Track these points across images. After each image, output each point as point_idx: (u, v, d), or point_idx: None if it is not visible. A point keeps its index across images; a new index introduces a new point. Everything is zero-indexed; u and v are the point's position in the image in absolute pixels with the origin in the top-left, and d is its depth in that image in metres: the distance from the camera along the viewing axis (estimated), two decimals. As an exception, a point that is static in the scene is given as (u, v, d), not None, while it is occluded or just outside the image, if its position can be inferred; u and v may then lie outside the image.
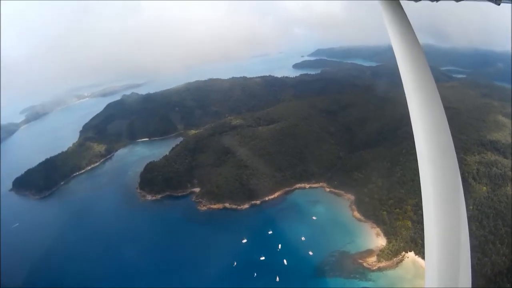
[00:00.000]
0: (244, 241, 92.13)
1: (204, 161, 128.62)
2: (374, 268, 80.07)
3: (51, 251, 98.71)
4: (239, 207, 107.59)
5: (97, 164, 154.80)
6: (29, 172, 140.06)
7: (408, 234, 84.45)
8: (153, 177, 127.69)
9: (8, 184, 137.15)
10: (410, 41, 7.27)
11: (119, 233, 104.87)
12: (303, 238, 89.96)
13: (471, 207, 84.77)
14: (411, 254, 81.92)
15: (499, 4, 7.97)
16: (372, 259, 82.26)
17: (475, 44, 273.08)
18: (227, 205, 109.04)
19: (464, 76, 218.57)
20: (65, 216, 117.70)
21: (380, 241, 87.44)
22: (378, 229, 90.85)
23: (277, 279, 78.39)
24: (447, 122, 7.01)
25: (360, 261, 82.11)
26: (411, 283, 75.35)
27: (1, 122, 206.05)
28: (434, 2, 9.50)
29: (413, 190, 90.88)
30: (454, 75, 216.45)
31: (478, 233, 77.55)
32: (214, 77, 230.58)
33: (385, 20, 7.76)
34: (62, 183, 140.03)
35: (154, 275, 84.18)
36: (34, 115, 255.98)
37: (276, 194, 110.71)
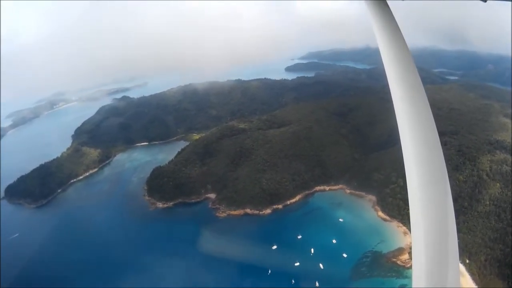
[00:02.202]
0: (274, 247, 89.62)
1: (216, 165, 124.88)
2: (409, 265, 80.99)
3: (53, 266, 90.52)
4: (261, 213, 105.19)
5: (96, 170, 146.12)
6: (22, 179, 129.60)
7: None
8: (162, 183, 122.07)
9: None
10: (396, 39, 7.52)
11: (132, 244, 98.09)
12: (334, 241, 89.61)
13: (488, 203, 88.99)
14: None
15: (485, 1, 7.96)
16: (405, 257, 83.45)
17: (468, 46, 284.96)
18: (248, 210, 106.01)
19: (457, 78, 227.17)
20: (67, 226, 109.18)
21: (408, 239, 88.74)
22: (404, 228, 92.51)
23: (317, 284, 77.37)
24: (433, 121, 6.83)
25: (394, 259, 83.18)
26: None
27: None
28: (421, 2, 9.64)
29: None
30: (447, 77, 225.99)
31: (497, 226, 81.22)
32: (210, 80, 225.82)
33: (371, 20, 7.94)
34: (59, 190, 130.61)
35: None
36: (21, 120, 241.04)
37: (297, 198, 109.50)
